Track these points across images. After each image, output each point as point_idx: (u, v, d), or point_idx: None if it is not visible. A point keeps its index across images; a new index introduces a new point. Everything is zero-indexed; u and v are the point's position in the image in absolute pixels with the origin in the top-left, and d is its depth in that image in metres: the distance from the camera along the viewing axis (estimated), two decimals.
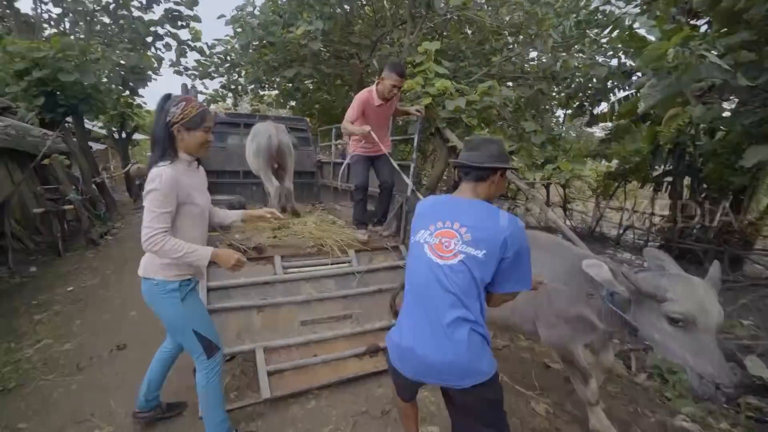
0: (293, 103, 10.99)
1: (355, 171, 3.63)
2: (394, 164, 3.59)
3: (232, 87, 9.76)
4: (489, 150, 1.57)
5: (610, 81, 7.49)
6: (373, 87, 3.39)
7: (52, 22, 9.96)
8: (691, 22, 7.59)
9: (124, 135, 11.64)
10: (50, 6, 9.55)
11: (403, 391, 1.71)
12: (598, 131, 10.41)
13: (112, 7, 9.65)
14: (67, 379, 2.75)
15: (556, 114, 8.86)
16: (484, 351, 1.44)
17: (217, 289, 2.70)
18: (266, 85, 9.70)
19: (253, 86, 9.18)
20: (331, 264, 3.20)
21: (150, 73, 9.50)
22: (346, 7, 8.46)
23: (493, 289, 1.49)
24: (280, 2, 8.12)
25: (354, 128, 3.33)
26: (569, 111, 9.57)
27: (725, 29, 3.69)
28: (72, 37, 9.03)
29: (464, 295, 1.41)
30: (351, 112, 3.39)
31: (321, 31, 6.99)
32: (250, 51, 7.77)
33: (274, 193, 4.09)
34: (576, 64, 6.29)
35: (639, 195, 9.91)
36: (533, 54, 7.96)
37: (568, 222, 10.42)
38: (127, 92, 8.82)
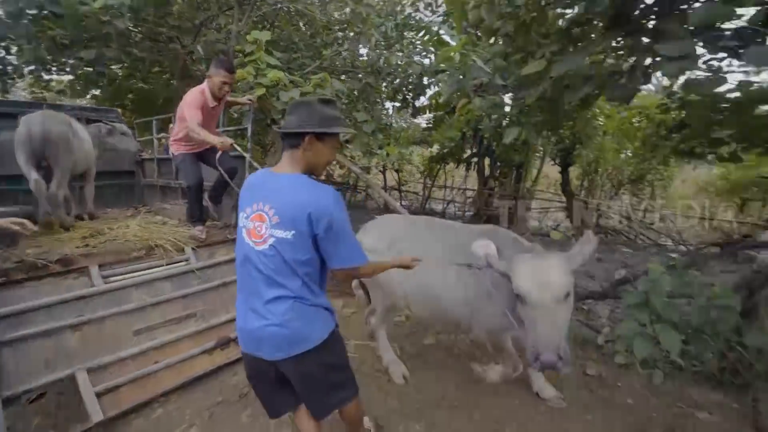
0: (97, 92, 9.15)
1: (186, 170, 3.36)
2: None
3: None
4: (299, 114, 1.49)
5: (426, 77, 8.78)
6: (205, 86, 3.18)
7: None
8: (478, 32, 9.58)
9: None
10: None
11: (261, 387, 1.65)
12: (423, 122, 12.04)
13: None
14: None
15: (386, 106, 9.84)
16: (314, 320, 1.48)
17: (6, 316, 2.22)
18: (53, 68, 7.79)
19: (32, 68, 7.27)
20: (167, 265, 2.98)
21: None
22: None
23: (328, 265, 1.50)
24: None
25: (212, 138, 3.04)
26: (397, 104, 10.81)
27: (490, 41, 4.84)
28: None
29: (279, 275, 1.43)
30: (194, 114, 3.05)
31: (127, 7, 6.04)
32: (24, 22, 6.13)
33: (40, 197, 3.08)
34: (397, 61, 7.13)
35: (456, 174, 11.94)
36: (363, 50, 8.64)
37: (403, 202, 11.84)
38: None
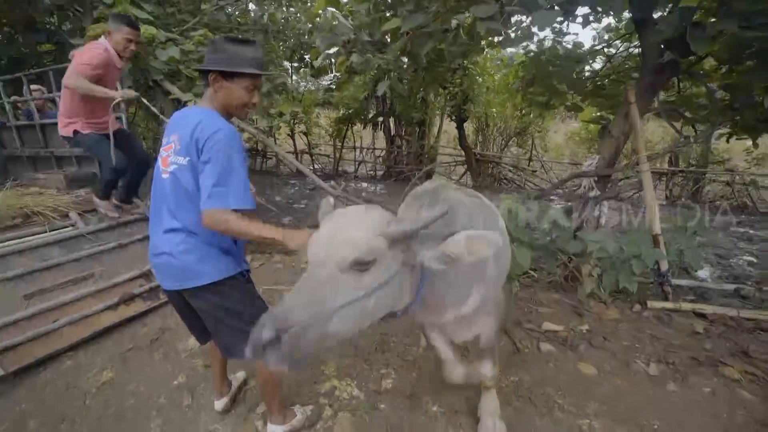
0: None
1: (103, 152, 2.87)
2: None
3: None
4: (209, 52, 1.51)
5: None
6: (106, 44, 2.79)
7: None
8: None
9: None
10: None
11: (180, 314, 1.72)
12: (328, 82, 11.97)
13: None
14: None
15: (285, 66, 9.58)
16: (207, 258, 1.48)
17: None
18: None
19: None
20: (51, 231, 2.90)
21: None
22: None
23: (201, 205, 1.39)
24: None
25: (112, 93, 2.72)
26: (294, 64, 10.54)
27: None
28: None
29: (177, 207, 1.46)
30: (87, 67, 2.69)
31: None
32: None
33: None
34: (282, 18, 6.95)
35: (365, 135, 12.31)
36: (252, 6, 8.17)
37: (316, 165, 11.96)
38: None
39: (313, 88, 11.81)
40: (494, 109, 11.35)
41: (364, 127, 11.84)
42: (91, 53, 2.75)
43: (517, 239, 2.96)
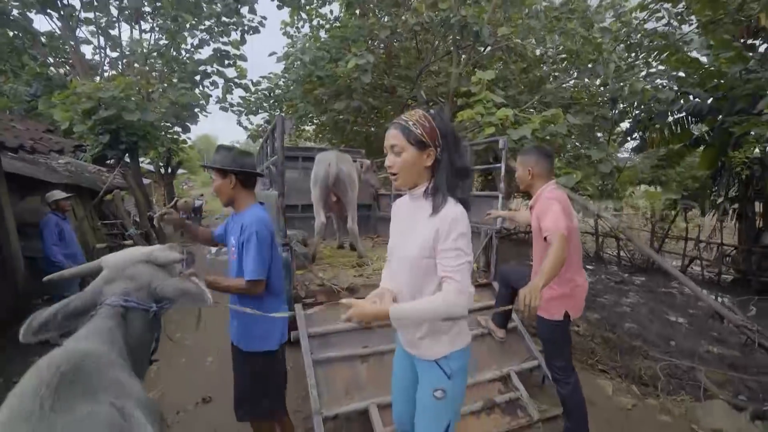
0: (331, 137, 11.13)
1: None
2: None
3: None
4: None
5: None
6: None
7: (109, 65, 10.56)
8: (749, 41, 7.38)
9: (169, 170, 11.97)
10: (107, 50, 10.18)
11: None
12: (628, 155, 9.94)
13: (162, 50, 10.17)
14: None
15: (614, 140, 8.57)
16: (254, 330, 1.79)
17: (317, 336, 2.46)
18: (308, 120, 9.84)
19: (297, 121, 9.32)
20: None
21: (198, 110, 9.86)
22: (394, 42, 8.62)
23: None
24: (322, 39, 8.34)
25: None
26: (613, 137, 9.29)
27: None
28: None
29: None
30: None
31: (371, 64, 7.08)
32: (301, 86, 7.91)
33: (317, 228, 3.64)
34: (643, 87, 6.07)
35: (701, 223, 9.30)
36: (585, 80, 7.81)
37: (622, 253, 9.86)
38: (180, 129, 9.09)
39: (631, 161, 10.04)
40: None
41: (704, 214, 8.91)
42: None
43: None
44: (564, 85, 7.43)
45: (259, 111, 9.80)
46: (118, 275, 1.22)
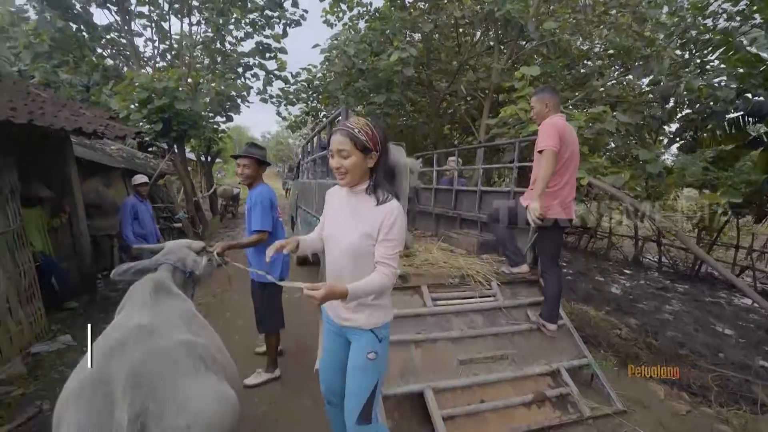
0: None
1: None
2: None
3: (312, 113, 10.16)
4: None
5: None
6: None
7: (159, 57, 11.03)
8: None
9: (209, 158, 12.43)
10: (157, 43, 10.62)
11: None
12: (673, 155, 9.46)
13: (207, 42, 10.50)
14: None
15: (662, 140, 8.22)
16: (267, 268, 2.23)
17: None
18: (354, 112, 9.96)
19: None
20: (479, 297, 2.97)
21: (239, 100, 10.17)
22: (434, 36, 8.58)
23: None
24: (361, 31, 8.39)
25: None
26: (660, 137, 8.89)
27: None
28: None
29: None
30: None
31: (413, 58, 7.08)
32: (343, 78, 8.02)
33: None
34: (699, 85, 5.79)
35: (755, 231, 8.79)
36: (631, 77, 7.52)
37: (663, 258, 9.46)
38: (224, 118, 9.43)
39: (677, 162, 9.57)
40: None
41: (760, 222, 8.40)
42: (555, 123, 2.68)
43: None
44: (610, 83, 7.17)
45: (296, 102, 10.00)
46: (171, 252, 1.95)
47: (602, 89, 7.04)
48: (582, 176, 4.52)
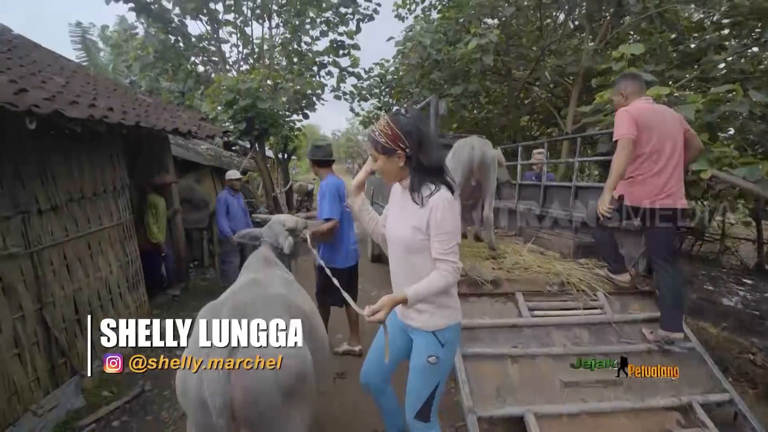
0: (441, 124, 10.84)
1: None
2: None
3: (385, 109, 10.08)
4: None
5: None
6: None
7: (243, 60, 11.76)
8: None
9: (286, 155, 13.03)
10: (241, 47, 11.32)
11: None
12: None
13: (285, 43, 10.93)
14: None
15: None
16: (329, 257, 3.08)
17: (464, 328, 2.31)
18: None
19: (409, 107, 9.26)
20: (584, 309, 2.58)
21: (315, 98, 10.44)
22: (512, 20, 7.98)
23: None
24: (434, 21, 8.07)
25: None
26: None
27: None
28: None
29: None
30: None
31: (493, 44, 6.61)
32: (418, 70, 7.80)
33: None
34: None
35: None
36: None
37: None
38: (301, 116, 9.75)
39: None
40: None
41: None
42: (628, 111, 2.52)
43: None
44: (731, 58, 6.01)
45: (369, 97, 9.99)
46: (271, 227, 2.34)
47: (723, 65, 5.94)
48: (703, 168, 3.80)
